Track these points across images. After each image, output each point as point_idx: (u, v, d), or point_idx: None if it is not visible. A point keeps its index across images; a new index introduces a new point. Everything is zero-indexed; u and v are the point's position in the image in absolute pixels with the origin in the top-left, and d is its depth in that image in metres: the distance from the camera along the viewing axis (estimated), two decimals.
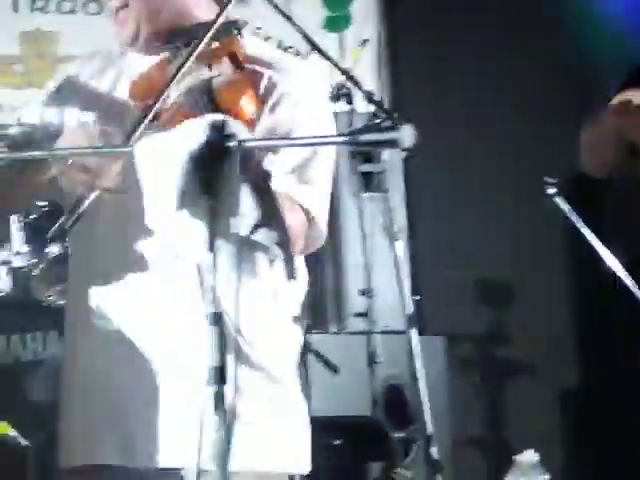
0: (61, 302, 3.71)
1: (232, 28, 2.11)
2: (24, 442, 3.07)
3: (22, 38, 5.60)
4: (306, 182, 2.06)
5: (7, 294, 3.77)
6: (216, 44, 2.05)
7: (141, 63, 2.17)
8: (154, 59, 2.13)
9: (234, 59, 2.07)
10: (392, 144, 1.56)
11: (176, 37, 2.13)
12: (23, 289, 3.74)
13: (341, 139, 1.66)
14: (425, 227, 4.80)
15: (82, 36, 5.17)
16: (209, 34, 1.94)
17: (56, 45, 5.68)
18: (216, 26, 1.96)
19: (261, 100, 2.03)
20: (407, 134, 1.56)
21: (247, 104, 1.97)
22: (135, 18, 2.17)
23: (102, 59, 2.31)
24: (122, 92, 2.18)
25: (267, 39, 5.94)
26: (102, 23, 2.43)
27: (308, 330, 3.98)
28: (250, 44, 2.13)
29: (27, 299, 3.69)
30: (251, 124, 1.95)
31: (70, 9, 5.48)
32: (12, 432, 3.07)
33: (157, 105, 1.91)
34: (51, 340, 3.48)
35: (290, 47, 5.97)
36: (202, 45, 1.95)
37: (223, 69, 2.04)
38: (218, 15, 1.97)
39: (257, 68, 2.08)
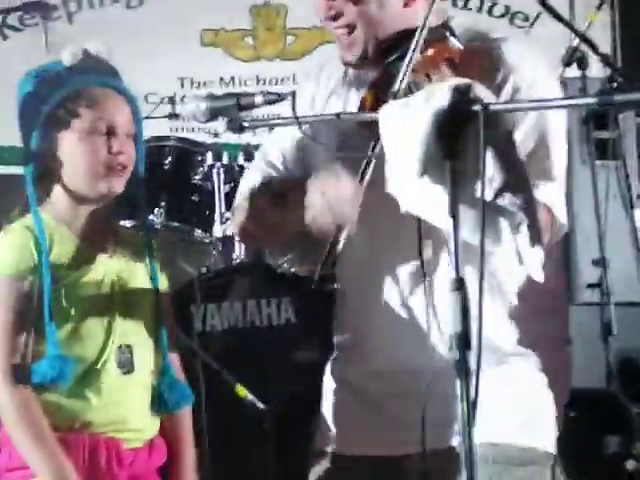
0: (293, 269, 3.80)
1: (443, 32, 2.08)
2: (261, 405, 3.15)
3: (252, 11, 5.73)
4: (544, 175, 2.03)
5: (242, 260, 3.88)
6: (430, 51, 2.03)
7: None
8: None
9: (451, 63, 2.03)
10: None
11: (396, 49, 2.10)
12: (257, 256, 3.85)
13: (592, 100, 1.60)
14: None
15: (309, 8, 5.23)
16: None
17: (284, 17, 5.79)
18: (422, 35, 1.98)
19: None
20: None
21: None
22: (363, 40, 2.17)
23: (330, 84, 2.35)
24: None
25: (494, 5, 5.90)
26: None
27: None
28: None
29: (262, 266, 3.79)
30: None
31: None
32: (250, 395, 3.15)
33: None
34: (285, 306, 3.55)
35: (518, 12, 5.89)
36: (414, 56, 1.97)
37: (443, 75, 2.01)
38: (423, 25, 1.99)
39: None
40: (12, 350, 2.14)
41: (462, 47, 2.04)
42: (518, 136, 1.94)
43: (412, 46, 1.99)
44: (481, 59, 2.06)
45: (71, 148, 2.22)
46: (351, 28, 2.17)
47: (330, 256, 2.02)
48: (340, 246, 2.02)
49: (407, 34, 2.09)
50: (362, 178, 2.02)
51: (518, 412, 2.15)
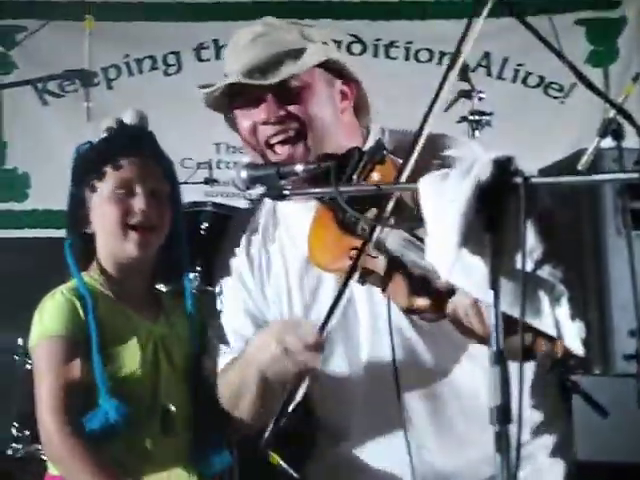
0: None
1: (378, 151, 2.05)
2: (295, 474, 3.12)
3: None
4: None
5: None
6: (376, 176, 2.01)
7: (295, 216, 2.23)
8: (306, 211, 2.15)
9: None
10: None
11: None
12: None
13: (632, 175, 1.60)
14: None
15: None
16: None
17: None
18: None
19: None
20: None
21: None
22: (302, 157, 2.17)
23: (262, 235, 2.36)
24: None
25: (528, 75, 5.93)
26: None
27: (572, 371, 3.88)
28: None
29: None
30: None
31: None
32: (283, 463, 3.12)
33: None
34: None
35: (552, 83, 5.91)
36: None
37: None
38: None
39: None
40: (65, 405, 2.16)
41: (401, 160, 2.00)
42: None
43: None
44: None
45: (98, 211, 2.27)
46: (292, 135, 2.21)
47: (287, 407, 2.00)
48: (299, 395, 1.99)
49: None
50: (324, 327, 2.00)
51: None
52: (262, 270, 2.34)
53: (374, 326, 2.19)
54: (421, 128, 1.95)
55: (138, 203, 2.26)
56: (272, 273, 2.32)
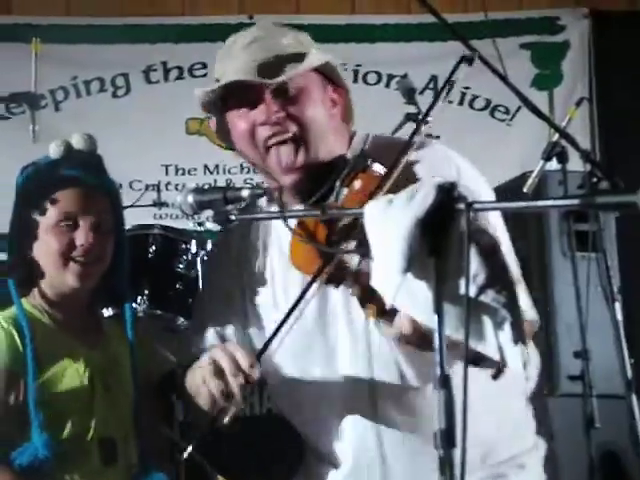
0: None
1: (363, 160, 2.08)
2: None
3: None
4: None
5: None
6: (358, 185, 2.03)
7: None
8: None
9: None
10: (630, 207, 1.51)
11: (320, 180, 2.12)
12: None
13: (574, 202, 1.62)
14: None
15: None
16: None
17: None
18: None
19: None
20: None
21: None
22: (305, 160, 2.17)
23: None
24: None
25: (475, 98, 5.99)
26: None
27: None
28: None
29: None
30: None
31: None
32: None
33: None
34: (267, 394, 3.53)
35: (498, 106, 5.97)
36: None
37: None
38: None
39: None
40: None
41: (385, 171, 2.02)
42: None
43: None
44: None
45: (40, 242, 2.25)
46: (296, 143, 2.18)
47: (215, 423, 2.03)
48: (226, 420, 2.01)
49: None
50: (261, 354, 2.03)
51: None
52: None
53: (352, 340, 2.21)
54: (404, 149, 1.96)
55: (80, 238, 2.24)
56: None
